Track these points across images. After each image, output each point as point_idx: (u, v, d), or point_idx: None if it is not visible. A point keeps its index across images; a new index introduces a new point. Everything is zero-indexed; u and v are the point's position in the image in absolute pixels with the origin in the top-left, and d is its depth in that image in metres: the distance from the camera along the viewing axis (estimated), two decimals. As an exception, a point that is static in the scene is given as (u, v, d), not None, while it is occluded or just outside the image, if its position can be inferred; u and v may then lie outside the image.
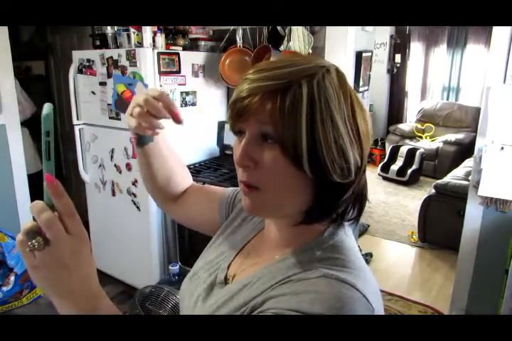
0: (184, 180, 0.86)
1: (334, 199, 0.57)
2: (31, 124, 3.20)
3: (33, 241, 0.47)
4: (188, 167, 2.48)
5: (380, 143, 5.91)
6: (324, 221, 0.60)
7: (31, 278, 0.50)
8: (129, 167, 2.41)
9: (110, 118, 2.42)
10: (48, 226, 0.47)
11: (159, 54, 2.22)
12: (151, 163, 0.77)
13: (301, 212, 0.58)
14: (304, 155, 0.53)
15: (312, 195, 0.57)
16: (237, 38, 2.41)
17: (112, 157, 2.50)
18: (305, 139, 0.52)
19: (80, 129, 2.65)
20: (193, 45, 2.52)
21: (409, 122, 6.15)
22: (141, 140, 0.74)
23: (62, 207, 0.48)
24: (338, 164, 0.54)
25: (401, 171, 5.06)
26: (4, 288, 2.48)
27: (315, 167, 0.53)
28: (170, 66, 2.29)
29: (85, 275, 0.51)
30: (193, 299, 0.70)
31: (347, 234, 0.62)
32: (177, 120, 0.65)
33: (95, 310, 0.51)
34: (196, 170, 2.41)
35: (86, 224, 2.83)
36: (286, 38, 2.26)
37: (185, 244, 2.47)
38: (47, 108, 0.47)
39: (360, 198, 0.61)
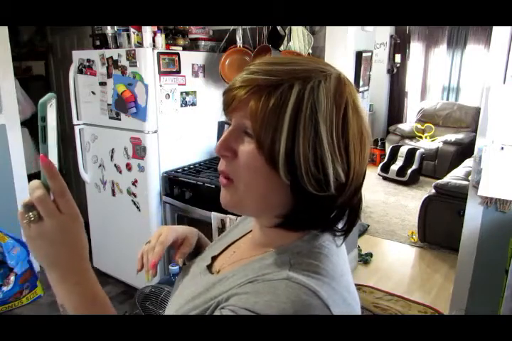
0: None
1: (312, 210, 0.55)
2: (31, 124, 3.20)
3: (30, 214, 0.52)
4: (188, 167, 2.48)
5: (380, 143, 5.92)
6: (301, 230, 0.58)
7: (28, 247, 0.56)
8: (129, 167, 2.41)
9: (110, 118, 2.42)
10: (38, 202, 0.52)
11: (159, 54, 2.22)
12: None
13: (278, 215, 0.57)
14: (279, 158, 0.51)
15: (288, 200, 0.55)
16: (237, 38, 2.41)
17: (111, 157, 2.50)
18: (284, 142, 0.50)
19: (80, 129, 2.65)
20: (193, 45, 2.52)
21: (409, 122, 6.15)
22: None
23: (54, 186, 0.53)
24: (314, 175, 0.51)
25: (401, 171, 5.06)
26: (4, 288, 2.48)
27: (290, 172, 0.52)
28: (170, 66, 2.29)
29: (73, 251, 0.55)
30: (180, 286, 0.73)
31: (332, 241, 0.60)
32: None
33: (79, 284, 0.56)
34: (196, 170, 2.41)
35: (86, 224, 2.83)
36: (286, 38, 2.26)
37: (185, 244, 2.47)
38: (47, 96, 0.52)
39: (351, 216, 0.59)
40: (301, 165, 0.51)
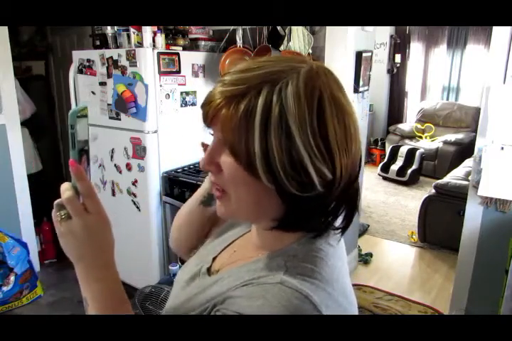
0: None
1: (305, 210, 0.55)
2: (31, 124, 3.20)
3: (61, 212, 0.57)
4: (188, 167, 2.48)
5: (380, 143, 5.92)
6: (300, 230, 0.58)
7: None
8: (129, 167, 2.41)
9: (110, 118, 2.42)
10: (67, 203, 0.56)
11: (159, 54, 2.22)
12: (205, 224, 0.82)
13: (274, 218, 0.57)
14: (257, 165, 0.50)
15: (280, 203, 0.54)
16: (237, 38, 2.41)
17: (111, 157, 2.50)
18: (257, 149, 0.50)
19: (80, 129, 2.65)
20: (193, 45, 2.52)
21: (409, 122, 6.15)
22: (211, 199, 0.79)
23: (82, 188, 0.56)
24: (294, 177, 0.50)
25: (401, 171, 5.06)
26: (4, 288, 2.48)
27: (271, 177, 0.51)
28: (170, 66, 2.29)
29: (97, 248, 0.58)
30: (178, 286, 0.72)
31: (330, 244, 0.59)
32: None
33: (100, 280, 0.58)
34: (196, 170, 2.41)
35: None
36: (286, 38, 2.26)
37: (185, 244, 2.46)
38: (79, 106, 0.57)
39: (348, 210, 0.58)
40: (279, 169, 0.50)
